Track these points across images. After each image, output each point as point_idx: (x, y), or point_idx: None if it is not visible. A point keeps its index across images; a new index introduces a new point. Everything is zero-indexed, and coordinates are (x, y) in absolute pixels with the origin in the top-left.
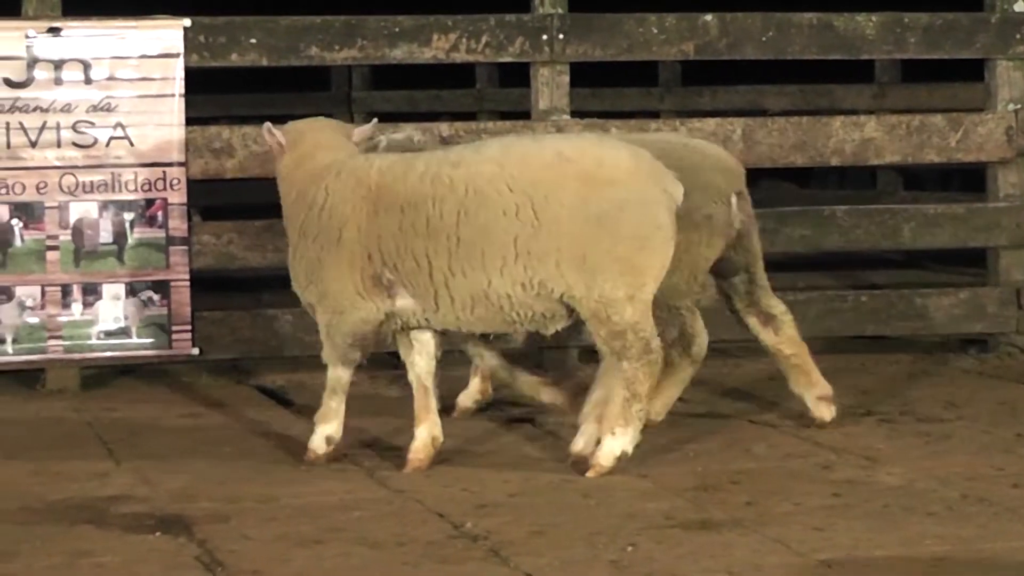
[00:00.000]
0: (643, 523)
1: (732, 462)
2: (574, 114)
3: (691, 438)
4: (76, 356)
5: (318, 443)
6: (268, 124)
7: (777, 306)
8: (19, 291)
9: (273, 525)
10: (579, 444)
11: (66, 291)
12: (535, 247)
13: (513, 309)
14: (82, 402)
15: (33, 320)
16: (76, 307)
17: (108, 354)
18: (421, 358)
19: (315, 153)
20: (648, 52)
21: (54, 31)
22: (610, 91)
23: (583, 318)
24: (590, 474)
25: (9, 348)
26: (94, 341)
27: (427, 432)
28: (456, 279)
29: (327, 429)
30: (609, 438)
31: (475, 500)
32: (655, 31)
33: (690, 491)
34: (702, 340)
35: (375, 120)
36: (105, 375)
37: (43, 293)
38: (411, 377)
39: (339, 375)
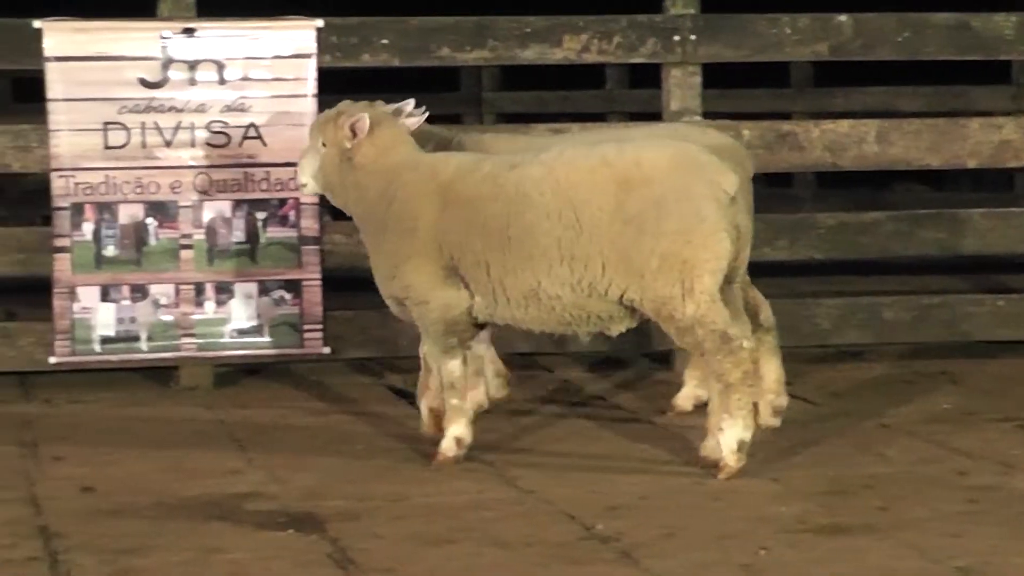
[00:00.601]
0: (774, 527)
1: (864, 466)
2: (705, 115)
3: (821, 441)
4: (209, 354)
5: (447, 445)
6: (363, 116)
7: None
8: (153, 289)
9: (403, 524)
10: (705, 448)
11: (199, 289)
12: (579, 250)
13: (565, 310)
14: (214, 399)
15: (167, 318)
16: (209, 305)
17: (240, 352)
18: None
19: (396, 146)
20: (781, 53)
21: (188, 32)
22: (741, 92)
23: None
24: (721, 476)
25: (144, 345)
26: (227, 339)
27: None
28: (509, 278)
29: (456, 430)
30: (721, 436)
31: (604, 502)
32: (788, 31)
33: (821, 495)
34: (766, 307)
35: (425, 111)
36: (236, 373)
37: (177, 291)
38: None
39: (450, 368)
